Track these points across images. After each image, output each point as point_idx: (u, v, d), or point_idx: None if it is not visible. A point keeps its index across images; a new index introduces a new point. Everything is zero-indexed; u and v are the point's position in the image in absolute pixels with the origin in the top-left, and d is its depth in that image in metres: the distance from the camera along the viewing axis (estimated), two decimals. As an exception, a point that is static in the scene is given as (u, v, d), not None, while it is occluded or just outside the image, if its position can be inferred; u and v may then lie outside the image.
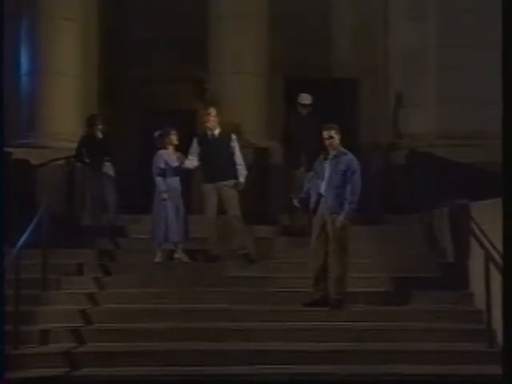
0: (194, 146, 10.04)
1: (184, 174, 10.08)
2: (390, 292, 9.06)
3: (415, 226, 10.38)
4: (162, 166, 9.92)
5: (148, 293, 9.05)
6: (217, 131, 10.03)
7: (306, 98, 10.76)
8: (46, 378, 7.28)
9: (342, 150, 8.80)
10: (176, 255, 9.91)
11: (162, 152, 10.04)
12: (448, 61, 11.45)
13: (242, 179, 9.90)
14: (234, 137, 10.03)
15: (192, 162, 9.98)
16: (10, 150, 11.22)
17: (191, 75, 13.42)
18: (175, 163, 10.00)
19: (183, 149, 10.15)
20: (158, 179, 9.90)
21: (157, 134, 10.18)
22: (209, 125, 9.98)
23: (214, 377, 7.39)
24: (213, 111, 10.06)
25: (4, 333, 7.03)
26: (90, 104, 12.53)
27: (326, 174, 8.72)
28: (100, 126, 10.97)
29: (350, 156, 8.75)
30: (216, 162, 9.85)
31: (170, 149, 10.08)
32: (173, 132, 10.09)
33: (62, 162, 11.32)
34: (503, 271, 6.69)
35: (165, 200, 9.81)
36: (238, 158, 9.95)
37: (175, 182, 9.95)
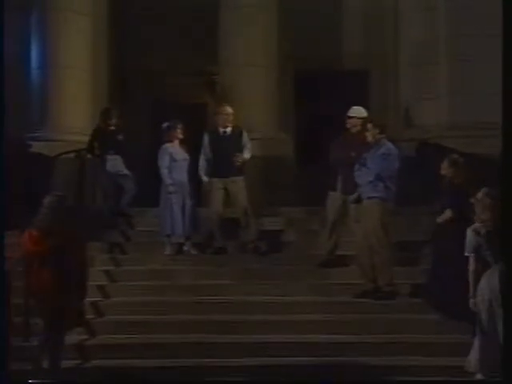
0: (206, 146, 10.01)
1: (191, 168, 10.05)
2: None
3: (424, 218, 10.33)
4: (167, 159, 9.89)
5: (158, 285, 9.07)
6: (229, 129, 10.02)
7: (359, 112, 9.30)
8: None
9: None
10: (185, 248, 9.92)
11: (167, 145, 10.00)
12: (459, 51, 11.38)
13: (246, 156, 9.91)
14: (245, 133, 10.02)
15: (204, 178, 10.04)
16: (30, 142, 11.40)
17: (201, 68, 13.40)
18: (180, 157, 9.98)
19: (193, 142, 10.13)
20: (164, 172, 9.87)
21: (165, 125, 10.15)
22: (227, 124, 9.95)
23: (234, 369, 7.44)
24: (229, 109, 10.03)
25: (8, 325, 7.07)
26: (101, 97, 12.54)
27: None
28: (114, 120, 10.97)
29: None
30: (225, 158, 9.84)
31: (176, 142, 10.05)
32: (179, 126, 10.05)
33: (72, 155, 11.33)
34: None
35: (170, 193, 9.80)
36: (246, 153, 9.96)
37: (181, 175, 9.91)
